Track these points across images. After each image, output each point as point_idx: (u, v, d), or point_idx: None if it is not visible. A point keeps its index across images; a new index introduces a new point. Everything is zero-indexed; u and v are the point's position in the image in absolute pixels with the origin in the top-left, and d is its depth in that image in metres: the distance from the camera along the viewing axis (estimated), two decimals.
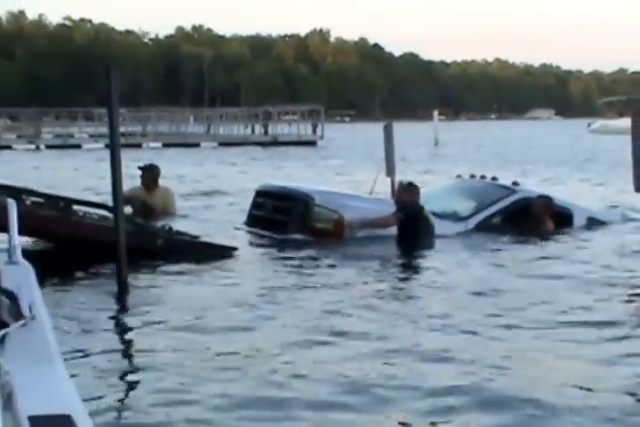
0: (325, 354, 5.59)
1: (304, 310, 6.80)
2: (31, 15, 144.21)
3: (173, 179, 17.07)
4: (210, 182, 19.14)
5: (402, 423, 4.41)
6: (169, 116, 53.02)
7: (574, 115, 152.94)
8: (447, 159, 30.19)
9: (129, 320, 6.62)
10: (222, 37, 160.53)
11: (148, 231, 9.04)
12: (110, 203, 8.12)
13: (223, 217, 12.44)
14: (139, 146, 40.94)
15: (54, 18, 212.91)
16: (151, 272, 8.38)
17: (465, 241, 10.34)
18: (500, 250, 9.87)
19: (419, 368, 5.27)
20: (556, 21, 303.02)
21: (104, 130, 35.34)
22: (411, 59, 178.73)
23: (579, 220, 11.49)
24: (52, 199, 9.08)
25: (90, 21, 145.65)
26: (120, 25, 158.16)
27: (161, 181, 12.47)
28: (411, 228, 10.20)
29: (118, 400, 4.70)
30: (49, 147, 42.90)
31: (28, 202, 8.84)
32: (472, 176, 12.12)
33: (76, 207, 9.08)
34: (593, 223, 11.57)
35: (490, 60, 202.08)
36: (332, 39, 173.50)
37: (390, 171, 12.67)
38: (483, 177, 11.90)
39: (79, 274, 8.23)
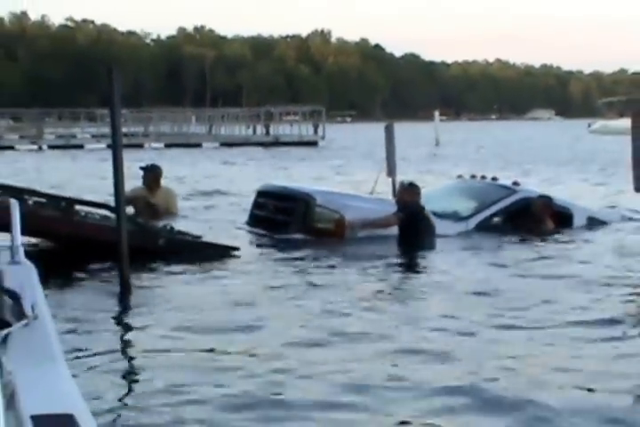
0: (326, 354, 5.60)
1: (305, 310, 6.82)
2: (34, 16, 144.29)
3: (175, 179, 17.06)
4: (211, 182, 19.14)
5: (402, 423, 4.41)
6: (171, 117, 53.00)
7: (574, 115, 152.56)
8: (448, 159, 30.18)
9: (131, 320, 6.63)
10: (224, 38, 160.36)
11: (149, 231, 9.05)
12: (112, 203, 8.13)
13: (224, 217, 12.45)
14: (141, 146, 40.91)
15: (57, 19, 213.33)
16: (153, 272, 8.39)
17: (465, 241, 10.36)
18: (500, 250, 9.89)
19: (419, 368, 5.28)
20: (556, 22, 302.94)
21: (106, 130, 35.22)
22: (412, 59, 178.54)
23: (579, 220, 11.50)
24: (54, 199, 9.09)
25: (92, 22, 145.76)
26: (122, 26, 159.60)
27: (163, 182, 12.48)
28: (412, 228, 10.20)
29: (120, 400, 4.72)
30: (51, 147, 42.88)
31: (30, 202, 8.84)
32: (473, 176, 12.14)
33: (78, 207, 9.08)
34: (593, 223, 11.58)
35: (490, 60, 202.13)
36: (333, 40, 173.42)
37: (391, 171, 12.69)
38: (483, 177, 11.92)
39: (81, 274, 8.25)
